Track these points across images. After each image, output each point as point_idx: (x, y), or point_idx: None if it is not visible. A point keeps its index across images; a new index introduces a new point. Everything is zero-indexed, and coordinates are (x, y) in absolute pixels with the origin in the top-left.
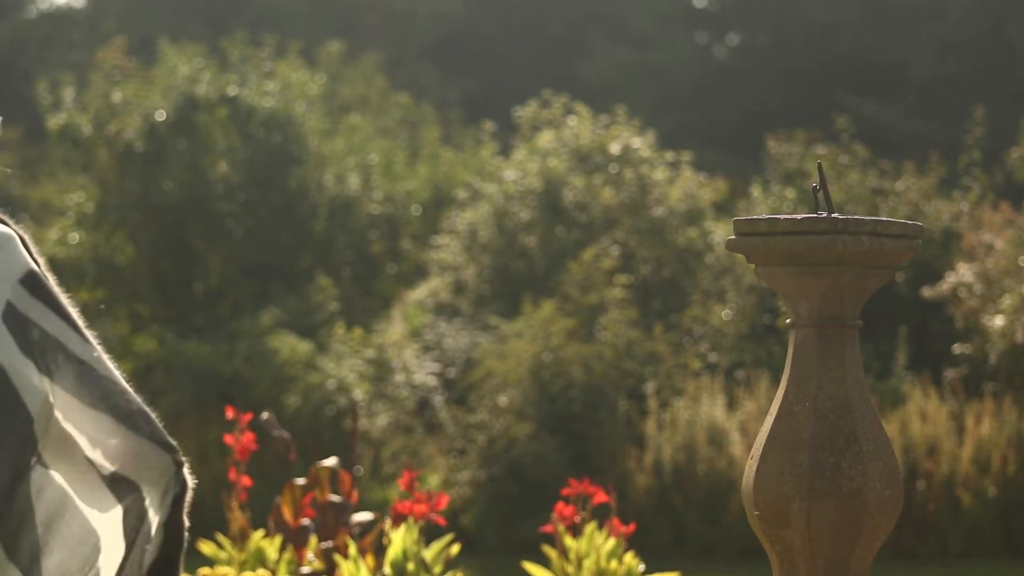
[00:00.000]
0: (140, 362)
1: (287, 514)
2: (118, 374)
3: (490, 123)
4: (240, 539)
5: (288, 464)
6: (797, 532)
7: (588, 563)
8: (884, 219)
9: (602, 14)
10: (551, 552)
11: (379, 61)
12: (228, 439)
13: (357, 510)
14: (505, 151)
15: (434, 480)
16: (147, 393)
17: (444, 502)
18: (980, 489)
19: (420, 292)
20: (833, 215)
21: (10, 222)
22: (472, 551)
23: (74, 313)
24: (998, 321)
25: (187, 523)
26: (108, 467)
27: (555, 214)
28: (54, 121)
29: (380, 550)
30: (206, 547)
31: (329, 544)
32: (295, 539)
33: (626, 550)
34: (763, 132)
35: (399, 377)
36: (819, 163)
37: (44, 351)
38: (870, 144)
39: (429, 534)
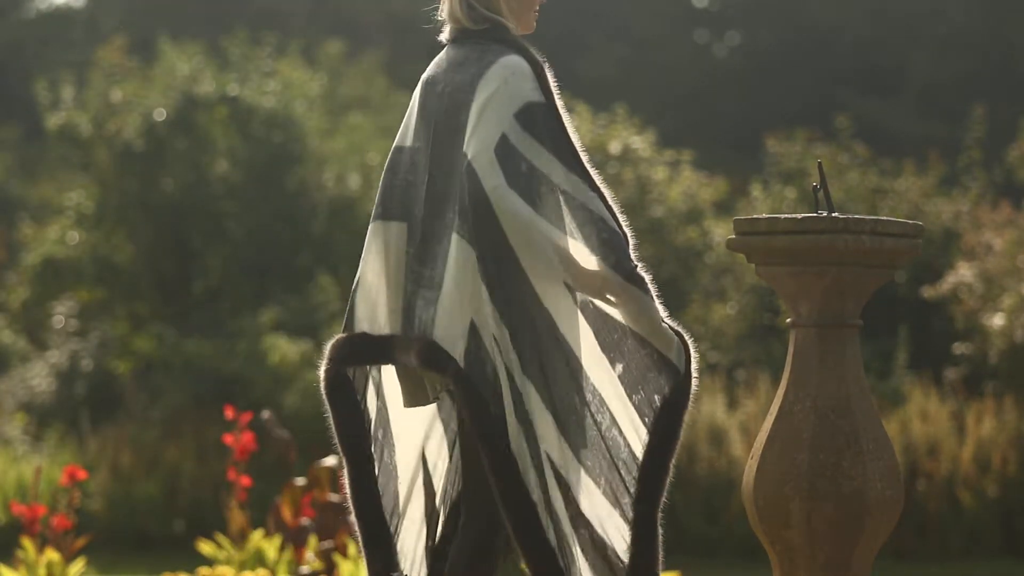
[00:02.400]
0: (139, 361)
1: (287, 514)
2: (599, 201)
3: None
4: (240, 539)
5: (288, 464)
6: (797, 532)
7: None
8: (884, 218)
9: (602, 13)
10: None
11: (379, 61)
12: (228, 439)
13: None
14: None
15: None
16: (146, 392)
17: None
18: (981, 489)
19: None
20: (833, 214)
21: (532, 49)
22: None
23: (565, 141)
24: (998, 321)
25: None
26: (579, 292)
27: None
28: (53, 120)
29: None
30: (206, 547)
31: (329, 544)
32: (295, 539)
33: None
34: (763, 132)
35: None
36: (819, 162)
37: (530, 182)
38: (870, 143)
39: None
